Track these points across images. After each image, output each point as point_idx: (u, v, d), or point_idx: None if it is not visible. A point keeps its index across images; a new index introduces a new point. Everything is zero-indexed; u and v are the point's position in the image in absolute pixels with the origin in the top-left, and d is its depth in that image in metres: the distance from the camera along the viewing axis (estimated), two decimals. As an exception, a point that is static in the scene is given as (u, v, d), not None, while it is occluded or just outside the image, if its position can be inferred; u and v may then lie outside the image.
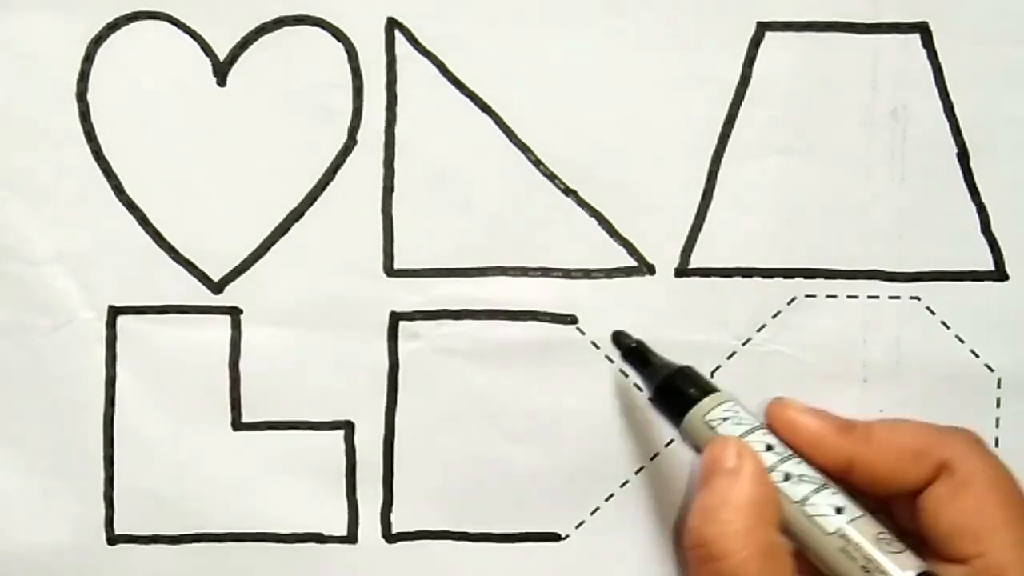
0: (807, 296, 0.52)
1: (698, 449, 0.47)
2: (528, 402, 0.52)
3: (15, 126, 0.51)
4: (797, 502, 0.44)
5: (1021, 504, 0.44)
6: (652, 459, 0.52)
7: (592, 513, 0.52)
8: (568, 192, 0.52)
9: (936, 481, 0.45)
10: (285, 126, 0.51)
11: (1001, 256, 0.52)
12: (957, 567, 0.44)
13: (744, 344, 0.52)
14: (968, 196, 0.52)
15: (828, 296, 0.52)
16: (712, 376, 0.52)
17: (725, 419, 0.46)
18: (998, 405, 0.52)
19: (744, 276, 0.52)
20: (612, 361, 0.52)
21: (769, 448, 0.45)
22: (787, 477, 0.45)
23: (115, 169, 0.51)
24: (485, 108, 0.51)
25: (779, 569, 0.43)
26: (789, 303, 0.52)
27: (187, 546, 0.52)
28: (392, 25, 0.51)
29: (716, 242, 0.52)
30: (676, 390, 0.48)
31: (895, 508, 0.47)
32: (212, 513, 0.52)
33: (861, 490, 0.46)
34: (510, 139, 0.51)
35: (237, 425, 0.52)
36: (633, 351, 0.50)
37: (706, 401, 0.47)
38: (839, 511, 0.44)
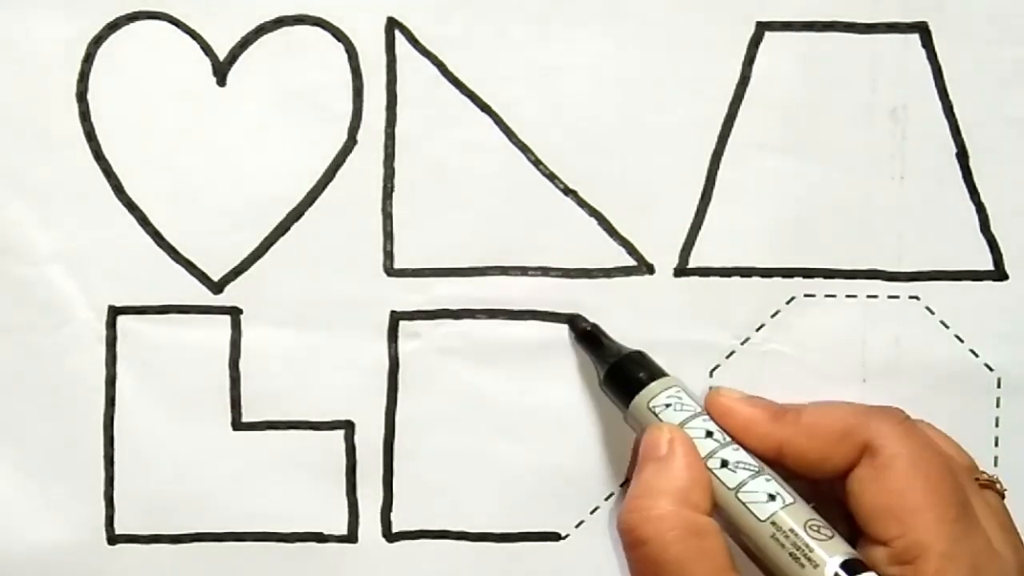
0: (806, 296, 0.52)
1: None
2: (528, 402, 0.52)
3: (15, 126, 0.51)
4: (732, 488, 0.45)
5: (945, 483, 0.44)
6: (652, 459, 0.52)
7: (592, 513, 0.52)
8: (568, 192, 0.52)
9: (860, 463, 0.45)
10: (285, 126, 0.51)
11: (1001, 256, 0.52)
12: (882, 548, 0.44)
13: (743, 344, 0.52)
14: (968, 196, 0.52)
15: (827, 296, 0.52)
16: (711, 376, 0.52)
17: (668, 405, 0.47)
18: (998, 405, 0.52)
19: (743, 276, 0.52)
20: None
21: (709, 435, 0.46)
22: (724, 464, 0.45)
23: (115, 169, 0.51)
24: (485, 108, 0.51)
25: (706, 549, 0.43)
26: (788, 303, 0.52)
27: (187, 546, 0.52)
28: (392, 25, 0.51)
29: (715, 242, 0.52)
30: (625, 374, 0.49)
31: (829, 491, 0.47)
32: (212, 513, 0.52)
33: (794, 474, 0.46)
34: (510, 139, 0.51)
35: (237, 425, 0.52)
36: (587, 334, 0.51)
37: (652, 386, 0.48)
38: (772, 498, 0.44)
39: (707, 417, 0.47)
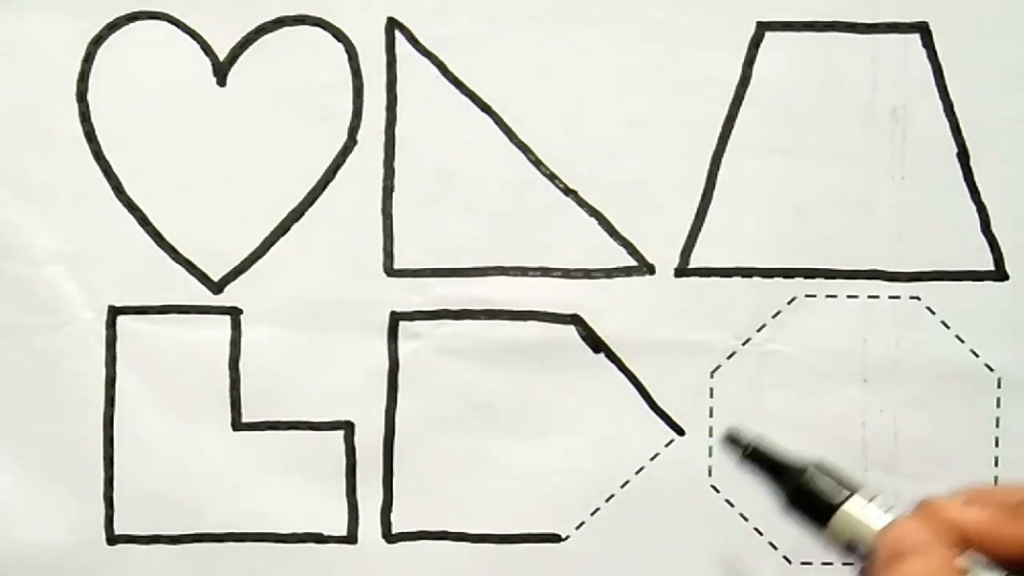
0: (807, 296, 0.52)
1: (851, 546, 0.41)
2: (528, 402, 0.52)
3: (15, 126, 0.51)
4: None
5: None
6: (652, 459, 0.52)
7: (592, 513, 0.52)
8: (568, 192, 0.52)
9: None
10: (285, 126, 0.51)
11: (1001, 256, 0.52)
12: None
13: (744, 344, 0.52)
14: (968, 196, 0.52)
15: (828, 296, 0.52)
16: (712, 376, 0.52)
17: (889, 509, 0.42)
18: (998, 405, 0.52)
19: (744, 276, 0.52)
20: (612, 361, 0.52)
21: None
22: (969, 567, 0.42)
23: (115, 169, 0.51)
24: (485, 108, 0.51)
25: None
26: (789, 303, 0.52)
27: (187, 546, 0.52)
28: (392, 25, 0.51)
29: (716, 242, 0.52)
30: (819, 488, 0.41)
31: None
32: (212, 513, 0.52)
33: None
34: (510, 139, 0.51)
35: (237, 425, 0.52)
36: (756, 454, 0.42)
37: (863, 493, 0.41)
38: None
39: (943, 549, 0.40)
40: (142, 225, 0.51)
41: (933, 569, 0.39)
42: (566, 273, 0.52)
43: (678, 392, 0.52)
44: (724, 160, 0.52)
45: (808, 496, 0.41)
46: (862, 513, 0.41)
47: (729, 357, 0.52)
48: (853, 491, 0.41)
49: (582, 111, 0.51)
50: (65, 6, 0.50)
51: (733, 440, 0.42)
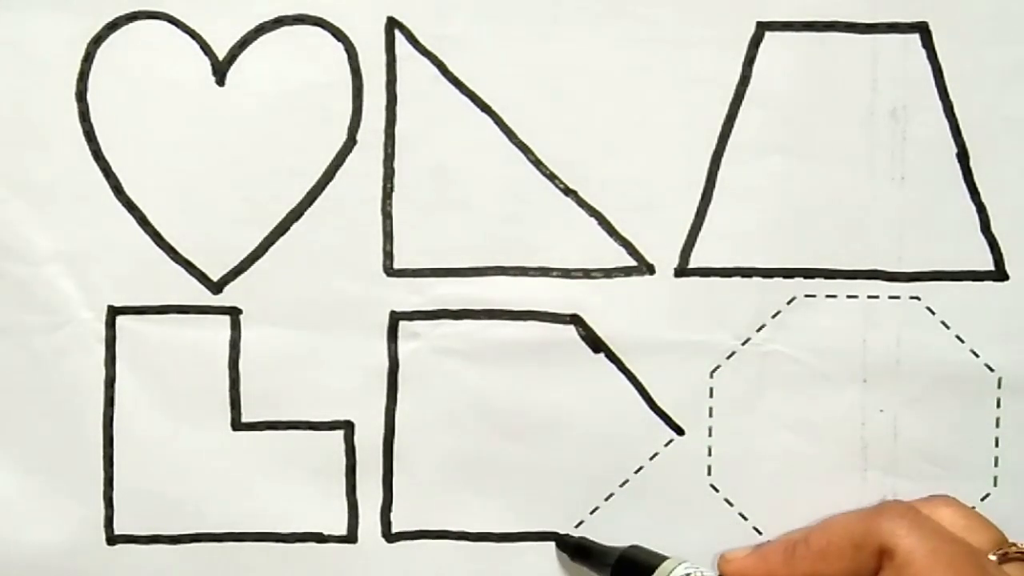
0: (807, 296, 0.52)
1: None
2: (528, 402, 0.52)
3: (15, 126, 0.51)
4: None
5: (967, 565, 0.45)
6: (652, 459, 0.52)
7: (592, 513, 0.52)
8: (568, 192, 0.52)
9: (881, 568, 0.46)
10: (285, 126, 0.51)
11: (1001, 256, 0.52)
12: None
13: (744, 344, 0.52)
14: (968, 196, 0.52)
15: (828, 296, 0.52)
16: (712, 376, 0.52)
17: (688, 574, 0.48)
18: (998, 405, 0.52)
19: (744, 276, 0.52)
20: (612, 361, 0.52)
21: None
22: None
23: (115, 169, 0.51)
24: (485, 108, 0.51)
25: None
26: (789, 303, 0.52)
27: (187, 546, 0.52)
28: (392, 25, 0.51)
29: (716, 242, 0.52)
30: (634, 565, 0.50)
31: None
32: (212, 513, 0.52)
33: None
34: (510, 139, 0.51)
35: (237, 425, 0.52)
36: (579, 548, 0.51)
37: (666, 563, 0.49)
38: None
39: None
40: (141, 225, 0.51)
41: None
42: (566, 273, 0.52)
43: (678, 392, 0.52)
44: (724, 160, 0.52)
45: (626, 571, 0.50)
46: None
47: (729, 357, 0.52)
48: (661, 561, 0.50)
49: (582, 111, 0.51)
50: (65, 6, 0.50)
51: (561, 545, 0.52)
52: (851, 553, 0.46)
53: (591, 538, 0.51)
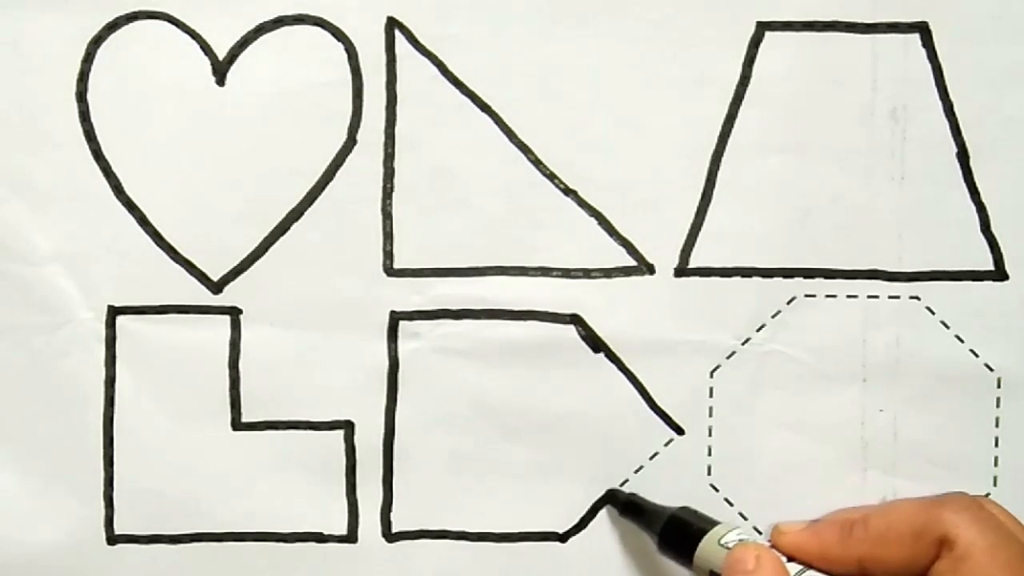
0: (807, 296, 0.52)
1: (712, 574, 0.48)
2: (528, 402, 0.52)
3: (15, 126, 0.51)
4: None
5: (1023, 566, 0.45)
6: (652, 458, 0.52)
7: (592, 512, 0.52)
8: (568, 192, 0.52)
9: (939, 558, 0.46)
10: (285, 126, 0.51)
11: (1001, 256, 0.52)
12: None
13: (744, 344, 0.52)
14: (968, 196, 0.52)
15: (828, 296, 0.52)
16: (712, 376, 0.52)
17: (741, 540, 0.48)
18: (998, 405, 0.52)
19: (744, 276, 0.52)
20: (612, 360, 0.52)
21: (790, 559, 0.48)
22: None
23: (115, 169, 0.51)
24: (485, 108, 0.51)
25: None
26: (789, 303, 0.52)
27: (187, 546, 0.52)
28: (392, 25, 0.51)
29: (716, 242, 0.52)
30: (684, 525, 0.49)
31: None
32: (212, 513, 0.52)
33: None
34: (510, 139, 0.51)
35: (237, 425, 0.52)
36: (630, 505, 0.51)
37: (719, 527, 0.48)
38: None
39: (776, 554, 0.48)
40: (141, 225, 0.51)
41: None
42: (566, 273, 0.52)
43: (678, 392, 0.52)
44: (724, 160, 0.52)
45: (674, 535, 0.49)
46: (716, 544, 0.48)
47: (729, 357, 0.52)
48: (712, 526, 0.49)
49: (582, 111, 0.51)
50: (65, 6, 0.50)
51: (612, 498, 0.52)
52: (910, 540, 0.46)
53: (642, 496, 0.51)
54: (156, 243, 0.51)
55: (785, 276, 0.52)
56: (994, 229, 0.52)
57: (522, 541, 0.52)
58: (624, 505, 0.51)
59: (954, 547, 0.45)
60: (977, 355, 0.52)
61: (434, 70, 0.51)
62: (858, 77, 0.51)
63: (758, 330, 0.52)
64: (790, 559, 0.48)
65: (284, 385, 0.52)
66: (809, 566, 0.48)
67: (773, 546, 0.49)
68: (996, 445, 0.52)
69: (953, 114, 0.51)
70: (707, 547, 0.48)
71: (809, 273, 0.52)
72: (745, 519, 0.52)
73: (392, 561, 0.52)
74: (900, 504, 0.49)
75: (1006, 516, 0.48)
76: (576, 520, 0.52)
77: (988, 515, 0.47)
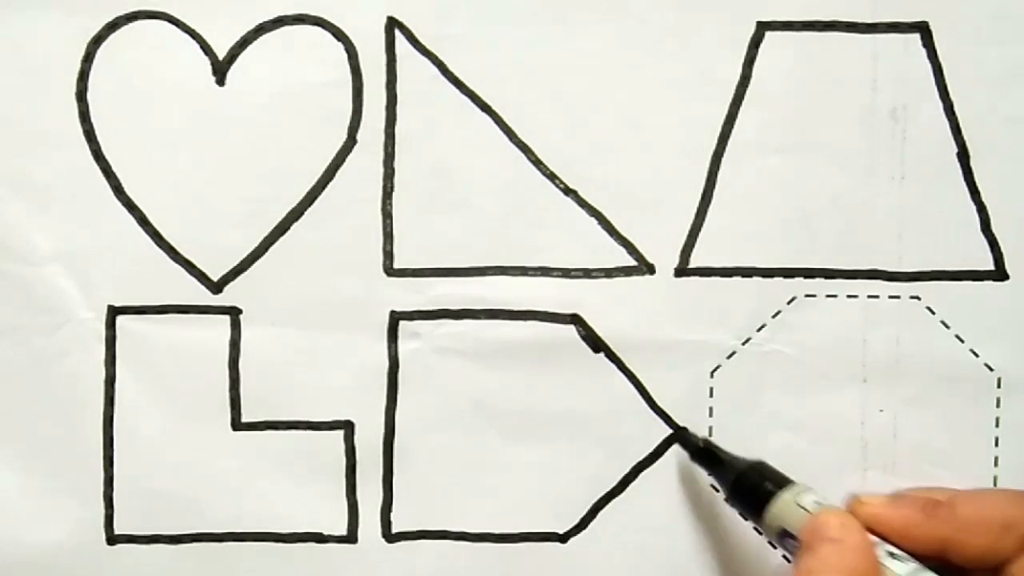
0: (807, 296, 0.52)
1: (783, 533, 0.47)
2: (528, 402, 0.52)
3: (15, 126, 0.51)
4: None
5: None
6: (652, 458, 0.52)
7: (592, 513, 0.52)
8: (568, 192, 0.52)
9: (1020, 557, 0.45)
10: (285, 126, 0.51)
11: (1001, 256, 0.52)
12: None
13: (744, 344, 0.52)
14: (968, 196, 0.52)
15: (828, 296, 0.52)
16: (712, 376, 0.52)
17: (818, 504, 0.47)
18: (998, 405, 0.52)
19: (744, 276, 0.52)
20: (612, 360, 0.52)
21: (869, 531, 0.46)
22: (892, 555, 0.45)
23: (115, 169, 0.51)
24: (485, 108, 0.51)
25: None
26: (789, 303, 0.52)
27: (187, 546, 0.52)
28: (392, 25, 0.51)
29: (716, 242, 0.52)
30: (759, 480, 0.48)
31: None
32: (212, 513, 0.52)
33: (952, 566, 0.46)
34: (510, 139, 0.51)
35: (237, 425, 0.52)
36: (703, 451, 0.50)
37: (795, 487, 0.47)
38: None
39: (858, 525, 0.46)
40: (141, 225, 0.51)
41: (846, 553, 0.44)
42: (566, 273, 0.52)
43: (678, 392, 0.52)
44: (724, 160, 0.52)
45: (747, 487, 0.48)
46: (793, 504, 0.47)
47: (729, 357, 0.52)
48: (786, 485, 0.47)
49: (582, 111, 0.51)
50: (65, 5, 0.50)
51: (684, 440, 0.51)
52: (998, 531, 0.45)
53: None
54: (156, 243, 0.51)
55: (785, 276, 0.52)
56: (994, 229, 0.52)
57: (522, 541, 0.52)
58: (697, 450, 0.50)
59: None
60: (977, 355, 0.52)
61: (434, 70, 0.51)
62: (858, 77, 0.51)
63: (758, 330, 0.52)
64: (869, 531, 0.46)
65: (284, 385, 0.52)
66: (887, 540, 0.46)
67: (855, 515, 0.47)
68: (996, 445, 0.52)
69: (953, 114, 0.51)
70: (782, 505, 0.47)
71: (809, 273, 0.52)
72: (745, 519, 0.52)
73: (392, 561, 0.52)
74: (993, 493, 0.48)
75: None
76: (576, 520, 0.52)
77: None
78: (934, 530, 0.46)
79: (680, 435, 0.51)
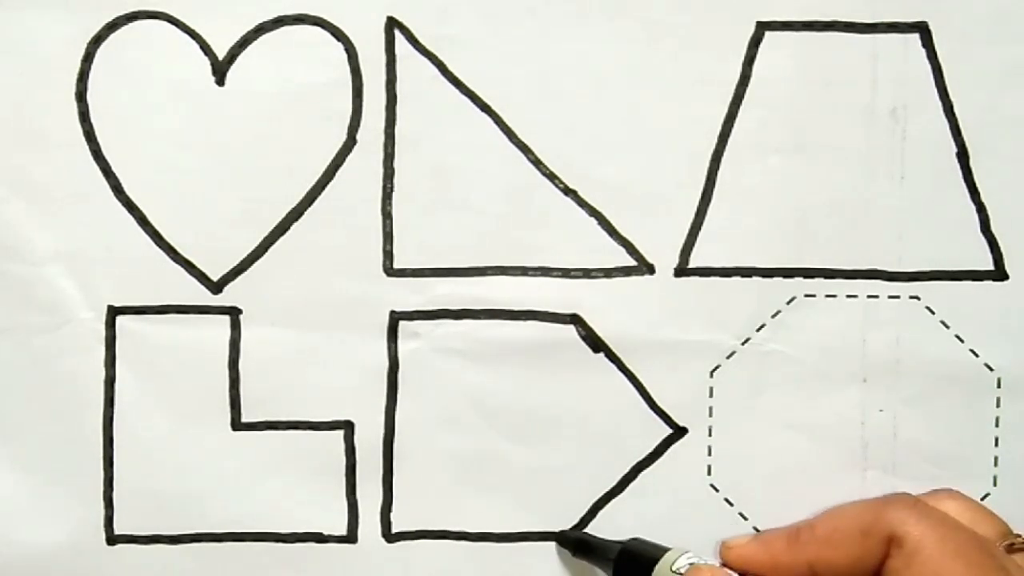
0: (807, 296, 0.52)
1: None
2: (528, 402, 0.52)
3: (14, 126, 0.51)
4: None
5: (977, 555, 0.45)
6: (652, 458, 0.52)
7: (592, 513, 0.52)
8: (568, 192, 0.52)
9: (889, 556, 0.46)
10: (285, 126, 0.51)
11: (1001, 256, 0.52)
12: None
13: (744, 344, 0.52)
14: (968, 196, 0.52)
15: (828, 296, 0.52)
16: (712, 376, 0.52)
17: (692, 563, 0.48)
18: (998, 405, 0.52)
19: (743, 276, 0.52)
20: (612, 360, 0.52)
21: (742, 574, 0.48)
22: None
23: (114, 169, 0.51)
24: (485, 108, 0.51)
25: None
26: (789, 303, 0.52)
27: (187, 546, 0.52)
28: (392, 25, 0.51)
29: (716, 242, 0.52)
30: (636, 556, 0.50)
31: None
32: (212, 513, 0.52)
33: None
34: (510, 139, 0.51)
35: (237, 425, 0.52)
36: (580, 543, 0.51)
37: (668, 554, 0.49)
38: None
39: (730, 573, 0.48)
40: (141, 225, 0.51)
41: None
42: (566, 273, 0.52)
43: (678, 392, 0.52)
44: (724, 160, 0.52)
45: (627, 566, 0.50)
46: (669, 572, 0.49)
47: (729, 357, 0.52)
48: (664, 552, 0.49)
49: (582, 111, 0.51)
50: (65, 5, 0.50)
51: (562, 541, 0.52)
52: (859, 539, 0.46)
53: (592, 533, 0.51)
54: (156, 243, 0.51)
55: (785, 276, 0.52)
56: (994, 229, 0.52)
57: (522, 541, 0.52)
58: (575, 544, 0.52)
59: (903, 543, 0.45)
60: (977, 355, 0.52)
61: (434, 70, 0.51)
62: (858, 77, 0.51)
63: (758, 330, 0.52)
64: (742, 574, 0.48)
65: (284, 385, 0.52)
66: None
67: (724, 563, 0.49)
68: (996, 445, 0.52)
69: (953, 114, 0.51)
70: (662, 572, 0.48)
71: (809, 273, 0.52)
72: (745, 519, 0.52)
73: (392, 561, 0.52)
74: (845, 507, 0.49)
75: (962, 507, 0.48)
76: (576, 520, 0.52)
77: (932, 510, 0.47)
78: (800, 554, 0.48)
79: (558, 536, 0.52)
